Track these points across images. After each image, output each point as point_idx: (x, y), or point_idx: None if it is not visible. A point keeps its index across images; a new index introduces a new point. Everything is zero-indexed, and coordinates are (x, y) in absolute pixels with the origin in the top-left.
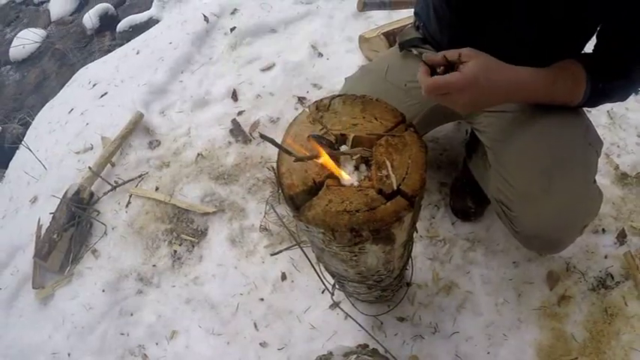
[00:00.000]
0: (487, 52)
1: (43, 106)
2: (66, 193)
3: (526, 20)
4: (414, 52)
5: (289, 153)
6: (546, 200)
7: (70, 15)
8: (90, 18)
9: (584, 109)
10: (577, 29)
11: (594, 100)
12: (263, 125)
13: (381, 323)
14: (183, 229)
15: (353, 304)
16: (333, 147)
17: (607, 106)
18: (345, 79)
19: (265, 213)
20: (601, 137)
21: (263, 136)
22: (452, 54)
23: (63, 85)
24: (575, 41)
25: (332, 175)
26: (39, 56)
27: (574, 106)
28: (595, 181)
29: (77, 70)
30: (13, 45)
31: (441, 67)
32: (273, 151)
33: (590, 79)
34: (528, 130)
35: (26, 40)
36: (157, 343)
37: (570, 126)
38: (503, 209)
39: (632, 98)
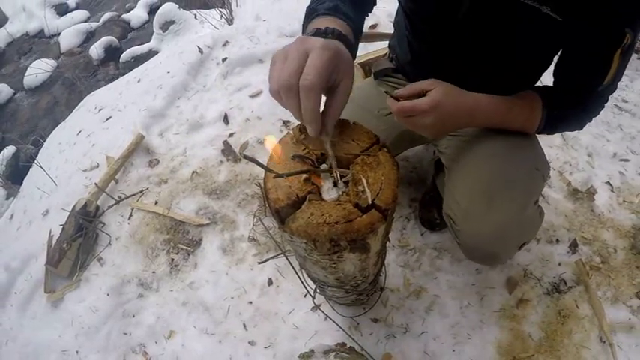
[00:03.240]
0: (451, 81)
1: (53, 129)
2: (74, 206)
3: (483, 56)
4: (386, 84)
5: (270, 170)
6: (485, 219)
7: (78, 47)
8: (96, 49)
9: (541, 135)
10: (531, 63)
11: (551, 127)
12: (251, 146)
13: (358, 324)
14: (180, 239)
15: (332, 307)
16: (314, 165)
17: None
18: None
19: (253, 225)
20: (555, 156)
21: (245, 157)
22: (417, 87)
23: (72, 110)
24: (530, 73)
25: (313, 191)
26: (50, 84)
27: (532, 132)
28: (537, 202)
29: (84, 97)
30: (27, 74)
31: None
32: (260, 170)
33: (546, 107)
34: (479, 153)
35: (39, 69)
36: (156, 342)
37: (519, 150)
38: (450, 223)
39: None
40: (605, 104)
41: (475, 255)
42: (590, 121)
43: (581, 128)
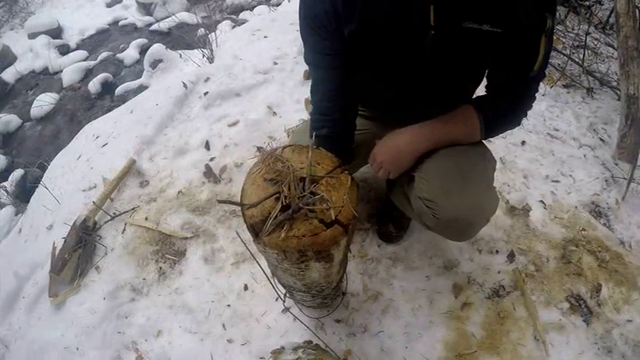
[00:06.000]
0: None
1: (57, 154)
2: (75, 221)
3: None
4: None
5: (241, 205)
6: (462, 193)
7: (78, 82)
8: (94, 84)
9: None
10: (467, 79)
11: (491, 128)
12: (230, 169)
13: (323, 324)
14: (167, 250)
15: (300, 309)
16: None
17: (500, 153)
18: (292, 131)
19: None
20: (495, 178)
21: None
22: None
23: (72, 138)
24: (466, 87)
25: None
26: (54, 115)
27: (479, 137)
28: (494, 187)
29: (84, 126)
30: (33, 106)
31: None
32: (237, 190)
33: (479, 110)
34: (442, 152)
35: (44, 102)
36: (146, 340)
37: (472, 149)
38: (425, 203)
39: (519, 148)
40: (536, 95)
41: (451, 228)
42: (526, 115)
43: (519, 124)
